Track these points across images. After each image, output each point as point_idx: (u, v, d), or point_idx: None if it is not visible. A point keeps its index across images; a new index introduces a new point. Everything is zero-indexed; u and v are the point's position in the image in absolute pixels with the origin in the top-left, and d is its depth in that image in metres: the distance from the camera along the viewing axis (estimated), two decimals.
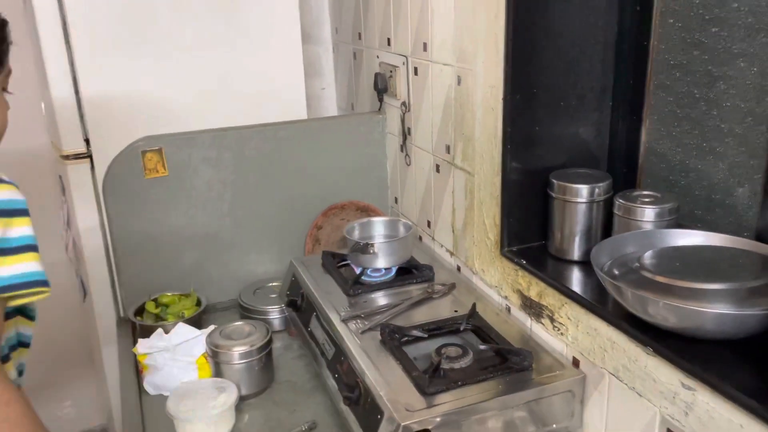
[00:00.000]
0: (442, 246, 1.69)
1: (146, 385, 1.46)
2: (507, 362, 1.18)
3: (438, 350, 1.21)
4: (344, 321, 1.36)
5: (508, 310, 1.39)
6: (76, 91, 1.77)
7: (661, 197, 1.18)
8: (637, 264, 1.05)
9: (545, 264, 1.29)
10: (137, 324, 1.63)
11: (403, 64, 1.74)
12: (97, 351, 2.08)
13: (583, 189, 1.24)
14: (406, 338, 1.28)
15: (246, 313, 1.71)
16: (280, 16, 1.94)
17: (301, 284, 1.58)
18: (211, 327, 1.51)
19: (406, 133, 1.79)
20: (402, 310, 1.39)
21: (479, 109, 1.38)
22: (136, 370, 1.52)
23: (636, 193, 1.21)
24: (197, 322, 1.61)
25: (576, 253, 1.28)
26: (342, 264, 1.64)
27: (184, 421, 1.28)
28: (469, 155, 1.46)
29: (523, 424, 1.14)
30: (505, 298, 1.39)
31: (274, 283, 1.81)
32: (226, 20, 1.89)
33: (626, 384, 1.06)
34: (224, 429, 1.30)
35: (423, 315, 1.39)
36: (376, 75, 1.87)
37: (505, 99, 1.28)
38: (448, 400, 1.09)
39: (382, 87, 1.85)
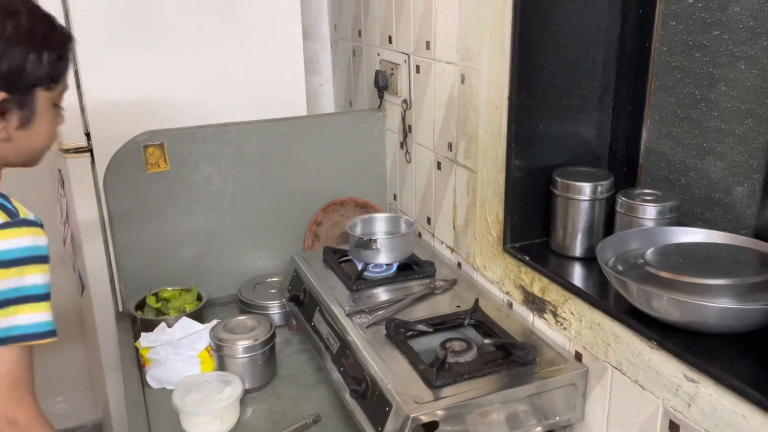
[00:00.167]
0: (442, 242, 1.70)
1: (149, 379, 1.46)
2: (511, 356, 1.20)
3: (443, 344, 1.23)
4: (349, 315, 1.37)
5: (510, 305, 1.41)
6: (78, 85, 1.76)
7: (662, 195, 1.21)
8: (641, 260, 1.07)
9: (548, 260, 1.32)
10: (138, 318, 1.63)
11: (405, 61, 1.75)
12: (94, 345, 2.07)
13: (586, 187, 1.27)
14: (411, 332, 1.29)
15: (246, 308, 1.72)
16: (281, 13, 1.95)
17: (303, 279, 1.59)
18: (215, 321, 1.51)
19: (406, 131, 1.80)
20: (405, 306, 1.41)
21: (483, 107, 1.39)
22: (138, 363, 1.53)
23: (638, 191, 1.23)
24: (199, 316, 1.61)
25: (578, 250, 1.30)
26: (343, 260, 1.65)
27: (189, 414, 1.28)
28: (472, 153, 1.47)
29: (526, 416, 1.16)
30: (507, 293, 1.41)
31: (273, 279, 1.82)
32: (228, 16, 1.89)
33: (629, 377, 1.08)
34: (229, 422, 1.31)
35: (426, 310, 1.40)
36: (377, 72, 1.88)
37: (510, 98, 1.30)
38: (454, 393, 1.11)
39: (382, 84, 1.87)
